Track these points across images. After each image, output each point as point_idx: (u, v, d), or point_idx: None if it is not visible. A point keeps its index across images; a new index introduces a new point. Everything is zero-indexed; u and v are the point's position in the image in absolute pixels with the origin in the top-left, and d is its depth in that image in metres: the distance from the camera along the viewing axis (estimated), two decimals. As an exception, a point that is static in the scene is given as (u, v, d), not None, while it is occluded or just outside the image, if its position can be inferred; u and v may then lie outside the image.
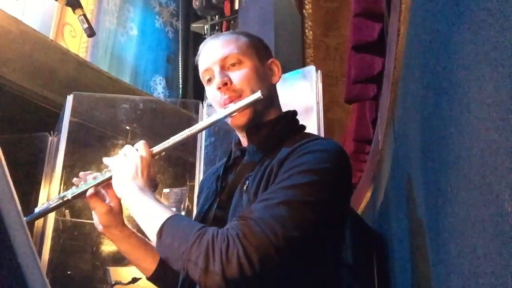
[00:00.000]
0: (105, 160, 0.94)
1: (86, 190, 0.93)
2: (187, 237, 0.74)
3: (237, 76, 0.94)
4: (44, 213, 0.96)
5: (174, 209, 1.91)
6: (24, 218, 0.91)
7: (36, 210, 0.96)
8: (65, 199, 0.93)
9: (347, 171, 0.87)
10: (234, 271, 0.69)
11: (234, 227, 0.73)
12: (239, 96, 0.93)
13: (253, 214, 0.75)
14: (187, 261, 0.72)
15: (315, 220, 0.76)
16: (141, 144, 0.92)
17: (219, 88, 0.93)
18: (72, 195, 0.93)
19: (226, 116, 0.93)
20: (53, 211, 0.96)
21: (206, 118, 0.96)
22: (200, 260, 0.70)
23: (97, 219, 0.99)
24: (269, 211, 0.74)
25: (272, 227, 0.72)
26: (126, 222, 1.02)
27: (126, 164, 0.89)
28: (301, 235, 0.74)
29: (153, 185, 0.89)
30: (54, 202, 0.95)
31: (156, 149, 0.93)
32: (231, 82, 0.93)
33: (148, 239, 0.85)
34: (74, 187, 0.95)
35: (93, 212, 0.99)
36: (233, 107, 0.91)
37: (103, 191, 0.97)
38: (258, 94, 0.89)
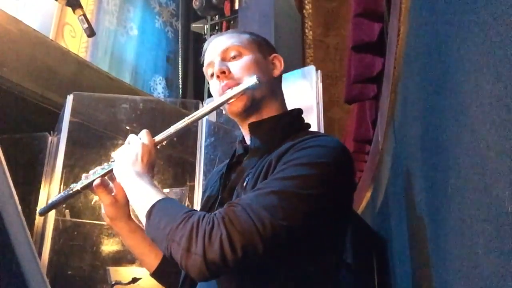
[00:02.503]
0: (113, 153, 0.96)
1: (92, 181, 0.95)
2: (173, 219, 0.74)
3: (236, 65, 0.95)
4: (56, 205, 1.00)
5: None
6: (38, 210, 0.94)
7: (49, 201, 0.99)
8: (75, 189, 0.96)
9: (347, 168, 0.86)
10: (215, 253, 0.68)
11: (221, 211, 0.73)
12: (237, 84, 0.93)
13: (243, 201, 0.74)
14: (171, 241, 0.72)
15: (306, 213, 0.75)
16: (144, 133, 0.94)
17: (218, 76, 0.95)
18: (81, 185, 0.96)
19: (223, 102, 0.93)
20: (64, 202, 0.99)
21: (204, 106, 0.98)
22: (183, 241, 0.70)
23: (104, 211, 1.01)
24: (259, 199, 0.74)
25: (260, 214, 0.71)
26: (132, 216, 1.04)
27: (128, 150, 0.91)
28: (289, 226, 0.72)
29: (152, 173, 0.90)
30: (65, 193, 0.97)
31: (158, 137, 0.95)
32: (230, 71, 0.94)
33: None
34: (83, 178, 0.98)
35: (101, 205, 1.01)
36: (230, 93, 0.92)
37: (111, 184, 0.99)
38: (254, 79, 0.90)
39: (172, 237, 0.72)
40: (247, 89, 0.91)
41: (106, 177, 0.97)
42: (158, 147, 0.96)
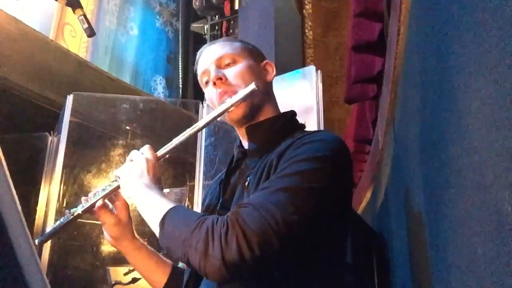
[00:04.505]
0: (115, 172, 0.96)
1: (95, 203, 0.95)
2: (188, 225, 0.75)
3: (232, 72, 0.96)
4: (56, 232, 0.96)
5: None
6: (36, 240, 0.91)
7: (48, 229, 0.96)
8: (75, 214, 0.95)
9: (347, 161, 0.88)
10: (233, 255, 0.69)
11: (234, 213, 0.74)
12: (234, 91, 0.95)
13: (253, 200, 0.76)
14: (187, 247, 0.73)
15: (314, 206, 0.77)
16: (146, 148, 0.95)
17: (214, 83, 0.95)
18: (82, 209, 0.95)
19: (224, 111, 0.94)
20: (65, 228, 0.96)
21: (205, 116, 0.98)
22: (200, 245, 0.71)
23: (107, 233, 1.01)
24: (268, 197, 0.75)
25: (271, 211, 0.72)
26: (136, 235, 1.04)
27: (132, 166, 0.91)
28: (301, 220, 0.74)
29: (159, 185, 0.91)
30: (65, 219, 0.96)
31: (160, 152, 0.96)
32: (226, 78, 0.95)
33: (159, 251, 0.86)
34: (84, 202, 0.97)
35: (103, 227, 1.01)
36: (229, 101, 0.93)
37: (111, 206, 0.99)
38: (252, 86, 0.91)
39: (188, 243, 0.73)
40: (246, 96, 0.92)
41: (106, 199, 0.97)
42: (161, 160, 0.96)
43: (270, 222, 0.71)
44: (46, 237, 0.96)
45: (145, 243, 1.04)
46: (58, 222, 0.96)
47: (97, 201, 0.95)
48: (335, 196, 0.82)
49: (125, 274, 2.26)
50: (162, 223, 0.79)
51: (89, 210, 0.96)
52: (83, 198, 0.98)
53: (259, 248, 0.69)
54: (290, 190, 0.76)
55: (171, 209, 0.80)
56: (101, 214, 0.97)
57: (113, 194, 0.96)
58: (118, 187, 0.94)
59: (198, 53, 1.05)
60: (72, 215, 0.95)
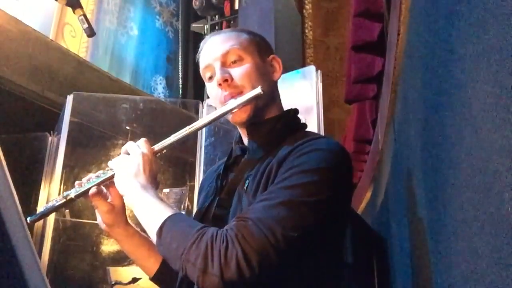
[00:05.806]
0: (109, 163, 0.94)
1: (89, 189, 0.93)
2: (186, 238, 0.74)
3: (238, 72, 0.93)
4: (48, 213, 0.96)
5: (174, 209, 1.91)
6: (28, 218, 0.91)
7: (41, 209, 0.96)
8: (68, 198, 0.94)
9: (347, 170, 0.87)
10: (232, 273, 0.68)
11: (233, 228, 0.73)
12: (239, 92, 0.92)
13: (252, 214, 0.74)
14: (185, 262, 0.72)
15: (314, 221, 0.76)
16: (142, 142, 0.92)
17: (220, 84, 0.92)
18: (76, 193, 0.94)
19: (226, 113, 0.92)
20: (57, 210, 0.96)
21: (205, 115, 0.96)
22: (199, 261, 0.70)
23: (100, 218, 0.99)
24: (268, 211, 0.74)
25: (271, 227, 0.72)
26: (129, 221, 1.02)
27: (128, 161, 0.89)
28: (301, 236, 0.73)
29: (155, 183, 0.89)
30: (58, 201, 0.94)
31: (157, 146, 0.93)
32: (232, 79, 0.92)
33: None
34: (77, 186, 0.95)
35: (96, 212, 0.99)
36: (233, 103, 0.91)
37: (105, 191, 0.97)
38: (258, 90, 0.89)
39: (186, 257, 0.72)
40: (250, 100, 0.90)
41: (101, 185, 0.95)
42: (158, 155, 0.94)
43: (270, 239, 0.71)
44: (38, 216, 0.95)
45: (138, 229, 1.02)
46: (50, 204, 0.95)
47: (90, 187, 0.93)
48: (335, 206, 0.81)
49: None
50: (160, 232, 0.78)
51: (82, 195, 0.94)
52: (76, 183, 0.96)
53: (259, 266, 0.69)
54: (290, 204, 0.75)
55: (169, 217, 0.79)
56: (95, 201, 0.95)
57: (108, 182, 0.95)
58: (112, 176, 0.91)
59: (202, 42, 1.00)
60: (65, 198, 0.93)
